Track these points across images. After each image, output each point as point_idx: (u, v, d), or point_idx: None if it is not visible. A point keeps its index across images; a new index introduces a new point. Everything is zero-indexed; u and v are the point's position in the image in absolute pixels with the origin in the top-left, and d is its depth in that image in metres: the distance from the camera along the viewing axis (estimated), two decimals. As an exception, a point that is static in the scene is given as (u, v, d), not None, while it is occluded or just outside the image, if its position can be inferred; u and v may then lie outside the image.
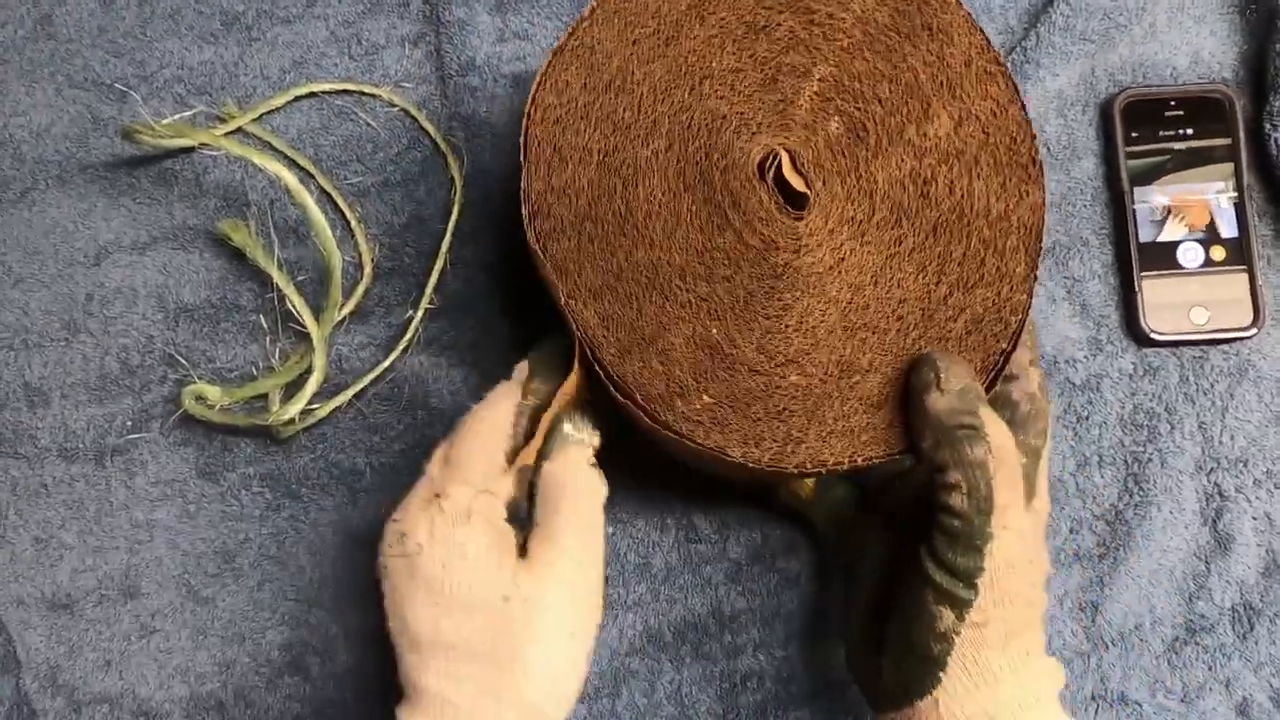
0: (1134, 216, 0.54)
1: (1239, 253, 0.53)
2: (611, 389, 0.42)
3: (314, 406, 0.51)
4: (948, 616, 0.38)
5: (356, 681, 0.51)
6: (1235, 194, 0.54)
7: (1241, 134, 0.54)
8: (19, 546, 0.52)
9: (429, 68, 0.56)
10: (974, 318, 0.42)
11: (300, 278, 0.53)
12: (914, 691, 0.39)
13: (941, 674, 0.39)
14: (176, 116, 0.54)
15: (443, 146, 0.55)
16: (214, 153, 0.54)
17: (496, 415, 0.42)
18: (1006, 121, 0.43)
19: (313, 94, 0.55)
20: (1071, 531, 0.52)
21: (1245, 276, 0.53)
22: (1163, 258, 0.53)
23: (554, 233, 0.42)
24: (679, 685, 0.51)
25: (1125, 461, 0.52)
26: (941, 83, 0.43)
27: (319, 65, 0.55)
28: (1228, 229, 0.53)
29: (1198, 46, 0.56)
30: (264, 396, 0.52)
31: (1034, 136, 0.43)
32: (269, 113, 0.55)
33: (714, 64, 0.43)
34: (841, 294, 0.42)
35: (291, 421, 0.50)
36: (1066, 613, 0.51)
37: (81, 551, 0.52)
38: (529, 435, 0.42)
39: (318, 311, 0.51)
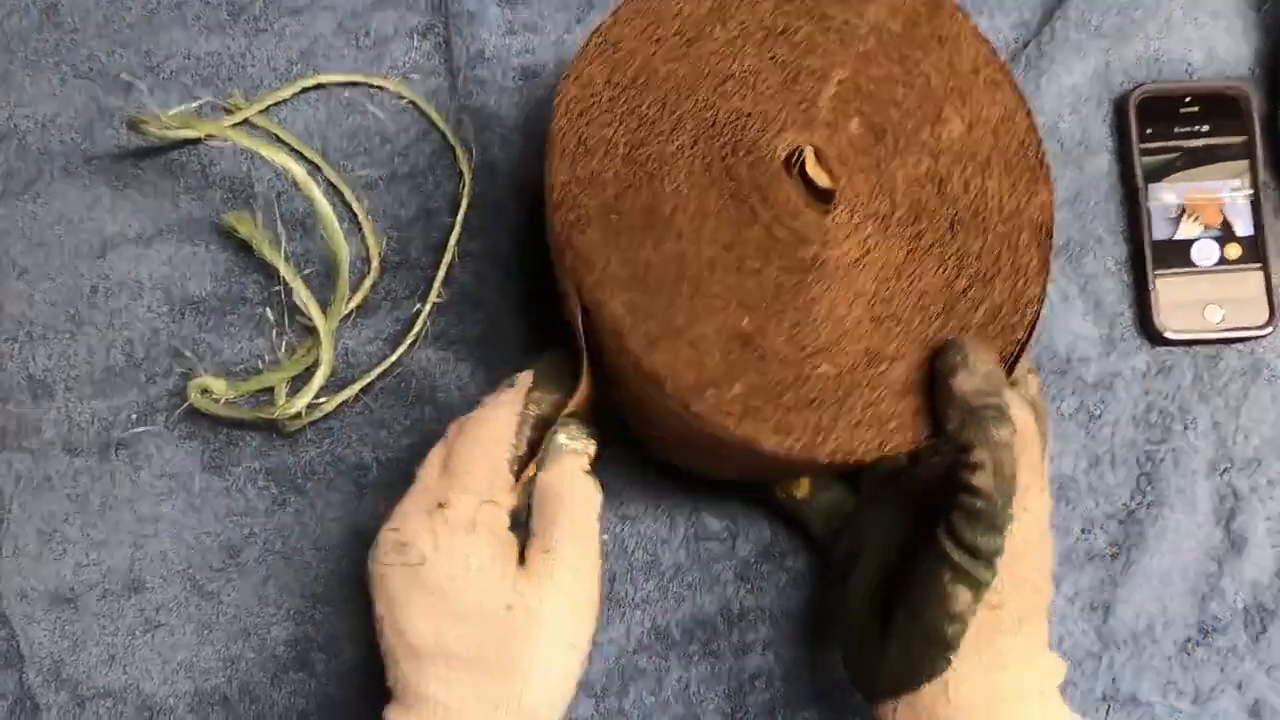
0: (1148, 214, 0.53)
1: (1254, 251, 0.53)
2: (638, 383, 0.41)
3: (320, 401, 0.51)
4: (964, 597, 0.38)
5: (362, 678, 0.50)
6: (1251, 191, 0.53)
7: (1257, 131, 0.53)
8: (22, 540, 0.51)
9: (438, 60, 0.55)
10: (992, 309, 0.43)
11: (307, 271, 0.52)
12: (922, 674, 0.39)
13: (952, 656, 0.39)
14: (182, 107, 0.54)
15: (451, 139, 0.54)
16: (220, 144, 0.53)
17: (498, 423, 0.42)
18: (1014, 126, 0.45)
19: (320, 86, 0.55)
20: (1083, 531, 0.52)
21: (1260, 275, 0.53)
22: (1177, 255, 0.53)
23: (579, 223, 0.42)
24: (687, 684, 0.50)
25: (1138, 461, 0.52)
26: (952, 88, 0.45)
27: (326, 57, 0.55)
28: (1243, 227, 0.53)
29: (1213, 43, 0.55)
30: (270, 390, 0.51)
31: (1041, 140, 0.44)
32: (276, 104, 0.54)
33: (735, 65, 0.44)
34: (867, 286, 0.42)
35: (298, 416, 0.50)
36: (1078, 612, 0.51)
37: (85, 545, 0.51)
38: (534, 446, 0.42)
39: (324, 305, 0.51)
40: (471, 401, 0.51)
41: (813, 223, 0.43)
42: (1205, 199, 0.53)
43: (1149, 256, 0.53)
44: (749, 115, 0.44)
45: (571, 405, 0.43)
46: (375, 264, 0.53)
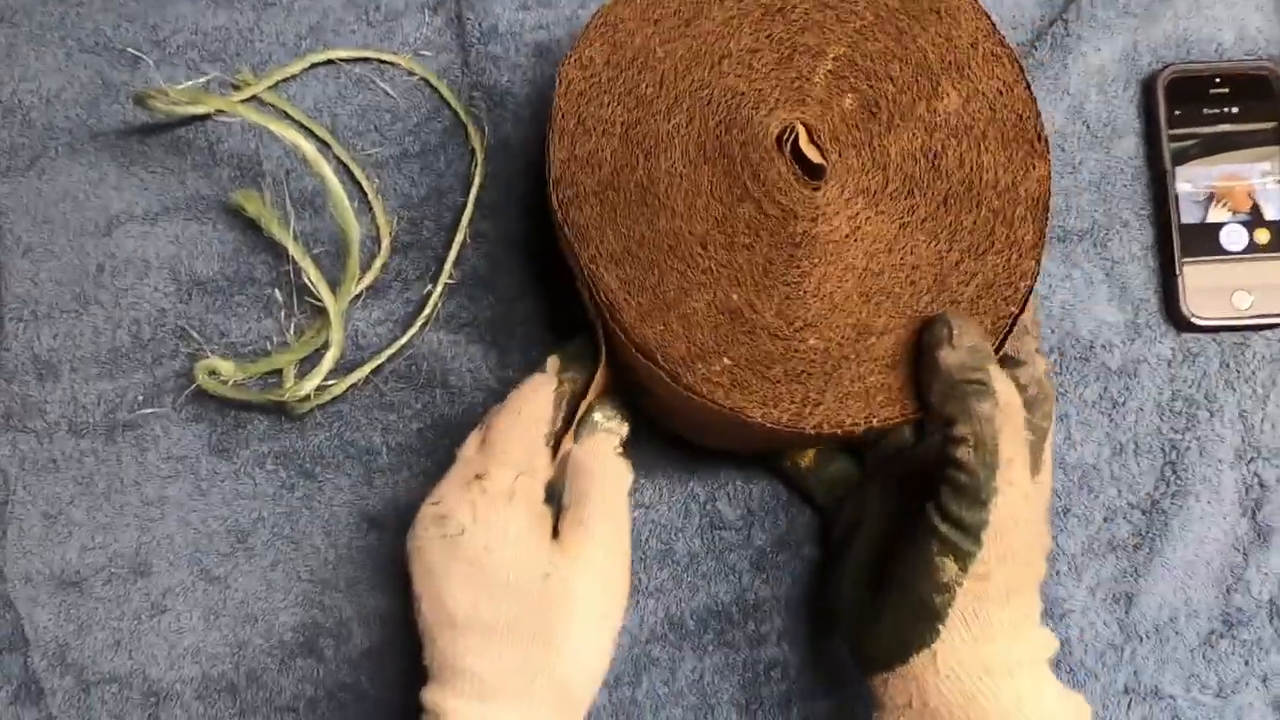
0: (1176, 198, 0.52)
1: (1284, 236, 0.52)
2: (632, 355, 0.43)
3: (329, 383, 0.50)
4: (950, 568, 0.39)
5: (370, 664, 0.50)
6: (1281, 175, 0.52)
7: (1289, 113, 0.52)
8: (27, 522, 0.51)
9: (449, 35, 0.54)
10: (985, 283, 0.43)
11: (316, 250, 0.51)
12: (911, 646, 0.40)
13: (940, 626, 0.39)
14: (190, 83, 0.53)
15: (463, 117, 0.53)
16: (228, 121, 0.53)
17: (535, 403, 0.43)
18: (1013, 100, 0.45)
19: (330, 61, 0.54)
20: (1106, 520, 0.51)
21: (1290, 261, 0.52)
22: (1205, 240, 0.52)
23: (576, 200, 0.44)
24: (701, 674, 0.50)
25: (1162, 449, 0.51)
26: (949, 62, 0.45)
27: (336, 32, 0.54)
28: (1273, 211, 0.52)
29: (1244, 22, 0.54)
30: (278, 372, 0.51)
31: (1039, 114, 0.45)
32: (284, 80, 0.53)
33: (732, 44, 0.45)
34: (857, 261, 0.43)
35: (306, 398, 0.49)
36: (1100, 603, 0.50)
37: (91, 528, 0.51)
38: (568, 421, 0.44)
39: (334, 285, 0.50)
40: (482, 385, 0.51)
41: (803, 199, 0.44)
42: (1234, 183, 0.52)
43: (1176, 241, 0.52)
44: (743, 94, 0.44)
45: (597, 379, 0.44)
46: (385, 244, 0.52)
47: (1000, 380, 0.40)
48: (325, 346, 0.50)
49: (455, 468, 0.42)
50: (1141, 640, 0.50)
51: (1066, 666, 0.50)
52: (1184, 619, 0.50)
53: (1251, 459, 0.51)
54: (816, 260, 0.43)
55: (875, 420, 0.42)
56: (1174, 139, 0.53)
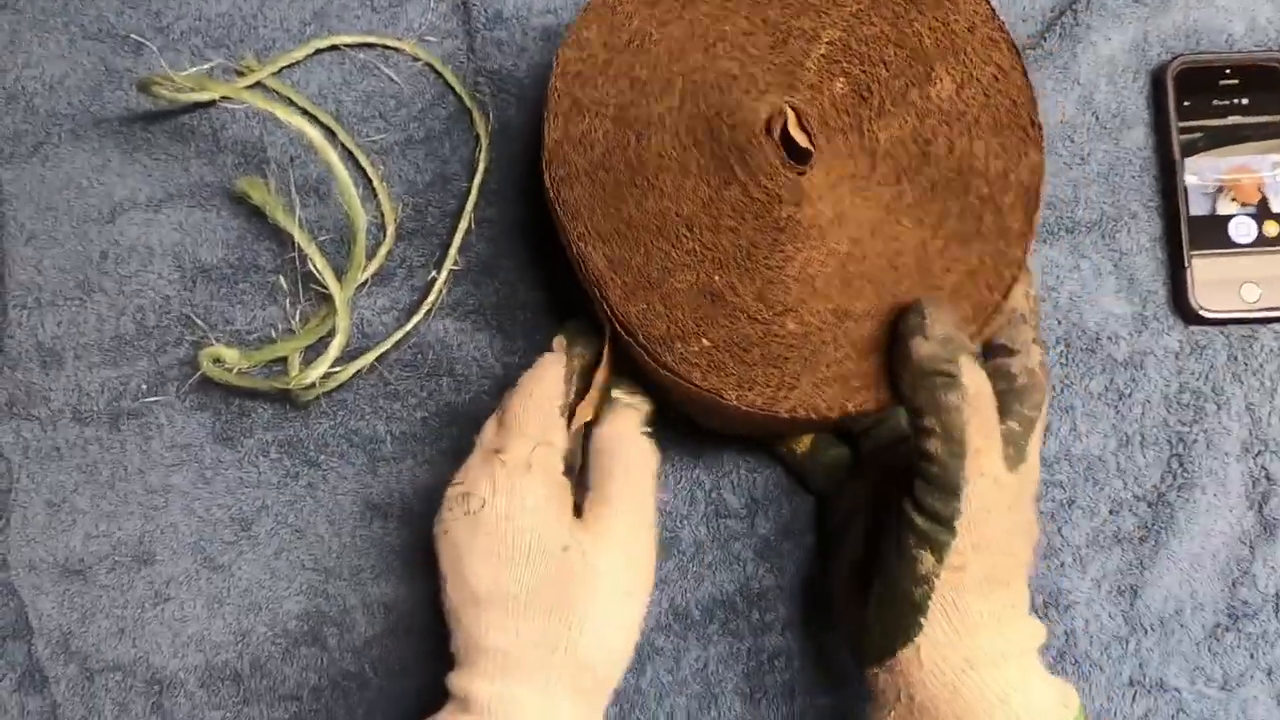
0: (1185, 190, 0.52)
1: (1293, 228, 0.52)
2: (614, 329, 0.43)
3: (334, 371, 0.50)
4: (927, 559, 0.39)
5: (375, 653, 0.50)
6: (1291, 167, 0.52)
7: (1299, 104, 0.52)
8: (31, 510, 0.50)
9: (455, 20, 0.54)
10: (969, 270, 0.43)
11: (321, 238, 0.51)
12: (897, 639, 0.40)
13: (922, 619, 0.39)
14: (194, 69, 0.52)
15: (468, 102, 0.53)
16: (232, 107, 0.52)
17: (547, 381, 0.43)
18: (1008, 86, 0.44)
19: (334, 47, 0.53)
20: (1111, 513, 0.51)
21: (1299, 253, 0.51)
22: (1214, 233, 0.52)
23: (568, 179, 0.44)
24: (705, 663, 0.49)
25: (1169, 442, 0.51)
26: (945, 47, 0.45)
27: (340, 17, 0.54)
28: (1282, 203, 0.52)
29: (1254, 13, 0.54)
30: (283, 360, 0.51)
31: (1035, 101, 0.44)
32: (289, 66, 0.53)
33: (727, 27, 0.45)
34: (841, 245, 0.43)
35: (311, 386, 0.49)
36: (1105, 596, 0.50)
37: (95, 516, 0.50)
38: (581, 393, 0.44)
39: (339, 273, 0.50)
40: (488, 373, 0.51)
41: (789, 183, 0.43)
42: (1244, 175, 0.52)
43: (1185, 233, 0.51)
44: (735, 77, 0.44)
45: (607, 350, 0.44)
46: (391, 231, 0.52)
47: (970, 371, 0.39)
48: (330, 334, 0.49)
49: (475, 451, 0.43)
50: (1146, 633, 0.50)
51: (1071, 658, 0.50)
52: (1189, 612, 0.50)
53: (1259, 452, 0.51)
54: (800, 245, 0.43)
55: (851, 406, 0.42)
56: (1183, 130, 0.52)
